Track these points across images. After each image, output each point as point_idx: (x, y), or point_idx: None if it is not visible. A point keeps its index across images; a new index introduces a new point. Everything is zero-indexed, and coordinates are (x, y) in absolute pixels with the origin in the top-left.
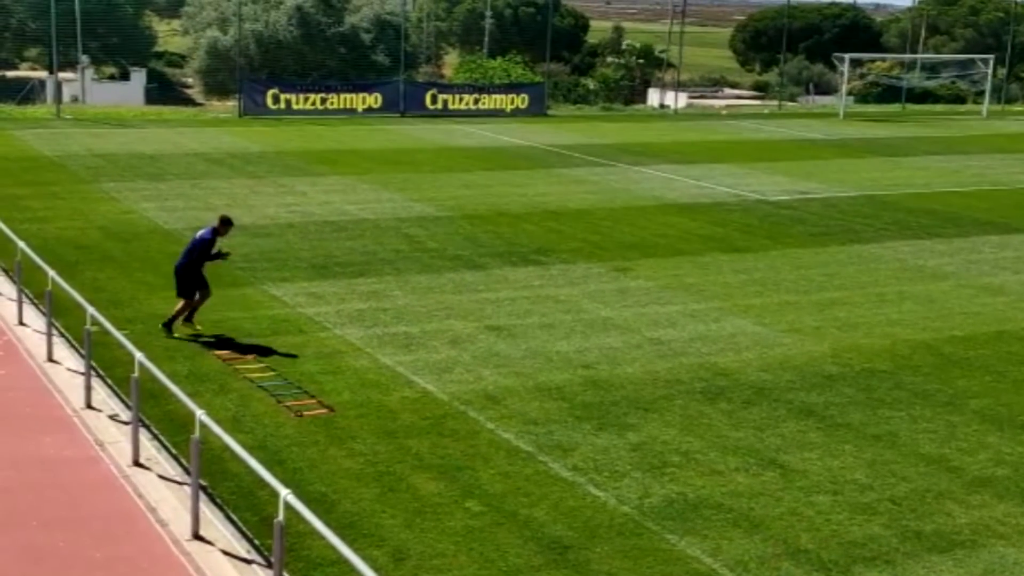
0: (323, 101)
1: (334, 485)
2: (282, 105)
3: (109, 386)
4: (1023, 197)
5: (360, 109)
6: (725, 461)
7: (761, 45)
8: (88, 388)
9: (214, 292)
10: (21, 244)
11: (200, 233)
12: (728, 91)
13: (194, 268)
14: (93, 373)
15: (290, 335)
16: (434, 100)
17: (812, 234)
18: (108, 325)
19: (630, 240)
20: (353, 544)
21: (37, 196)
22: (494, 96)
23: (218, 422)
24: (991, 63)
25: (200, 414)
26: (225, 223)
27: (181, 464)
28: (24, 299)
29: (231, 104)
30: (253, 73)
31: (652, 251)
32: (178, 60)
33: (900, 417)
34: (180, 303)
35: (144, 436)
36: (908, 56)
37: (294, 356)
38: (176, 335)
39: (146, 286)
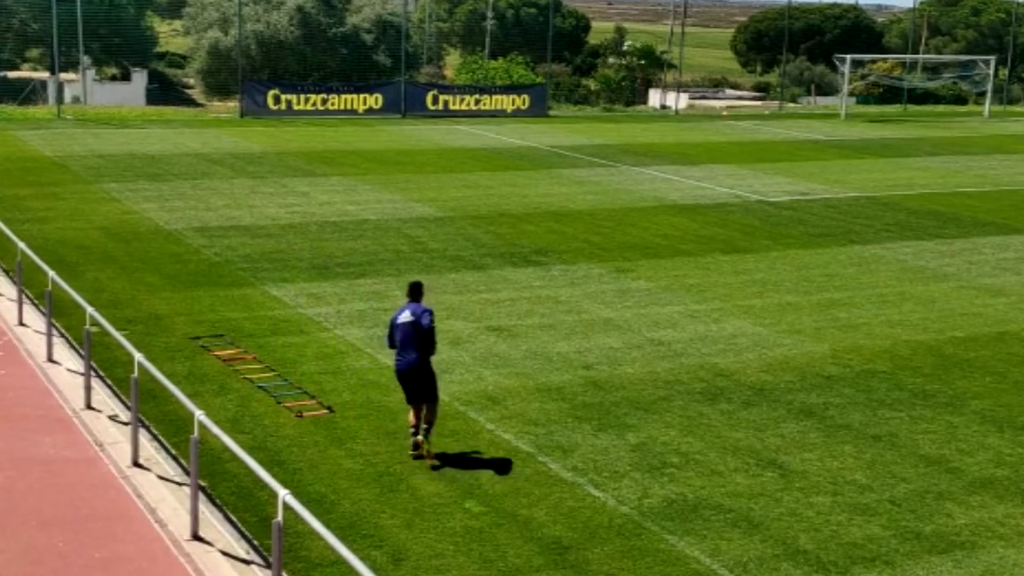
0: (324, 102)
1: (334, 485)
2: (283, 106)
3: (109, 386)
4: None
5: (361, 110)
6: (725, 462)
7: (762, 46)
8: (88, 388)
9: (215, 293)
10: (21, 244)
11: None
12: (729, 92)
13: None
14: (93, 373)
15: (290, 335)
16: (435, 101)
17: (813, 235)
18: (108, 325)
19: (631, 241)
20: (352, 545)
21: (38, 196)
22: (495, 97)
23: (217, 423)
24: (992, 64)
25: (199, 415)
26: (413, 291)
27: (180, 464)
28: (24, 299)
29: (232, 105)
30: (254, 74)
31: (653, 252)
32: (179, 61)
33: (900, 418)
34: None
35: (144, 436)
36: (909, 57)
37: (294, 357)
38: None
39: (146, 286)
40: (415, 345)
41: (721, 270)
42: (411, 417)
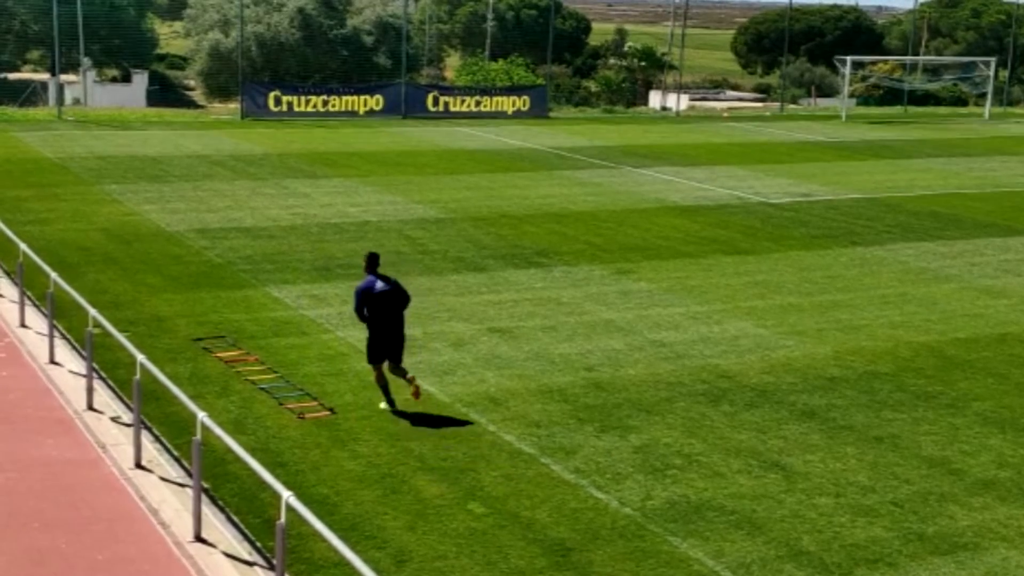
0: (325, 103)
1: (336, 487)
2: (284, 107)
3: (111, 388)
4: None
5: (362, 111)
6: (727, 463)
7: (763, 47)
8: (90, 390)
9: (217, 295)
10: (23, 246)
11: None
12: (730, 93)
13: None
14: (95, 375)
15: (292, 337)
16: (436, 102)
17: (814, 236)
18: (110, 327)
19: (632, 242)
20: (355, 546)
21: (39, 198)
22: (496, 98)
23: (220, 424)
24: (993, 65)
25: (202, 416)
26: (374, 262)
27: (183, 466)
28: (26, 301)
29: (233, 106)
30: (255, 75)
31: (654, 253)
32: (180, 62)
33: (902, 419)
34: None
35: (146, 438)
36: (910, 58)
37: (296, 358)
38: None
39: (148, 288)
40: (398, 312)
41: (723, 271)
42: (378, 375)
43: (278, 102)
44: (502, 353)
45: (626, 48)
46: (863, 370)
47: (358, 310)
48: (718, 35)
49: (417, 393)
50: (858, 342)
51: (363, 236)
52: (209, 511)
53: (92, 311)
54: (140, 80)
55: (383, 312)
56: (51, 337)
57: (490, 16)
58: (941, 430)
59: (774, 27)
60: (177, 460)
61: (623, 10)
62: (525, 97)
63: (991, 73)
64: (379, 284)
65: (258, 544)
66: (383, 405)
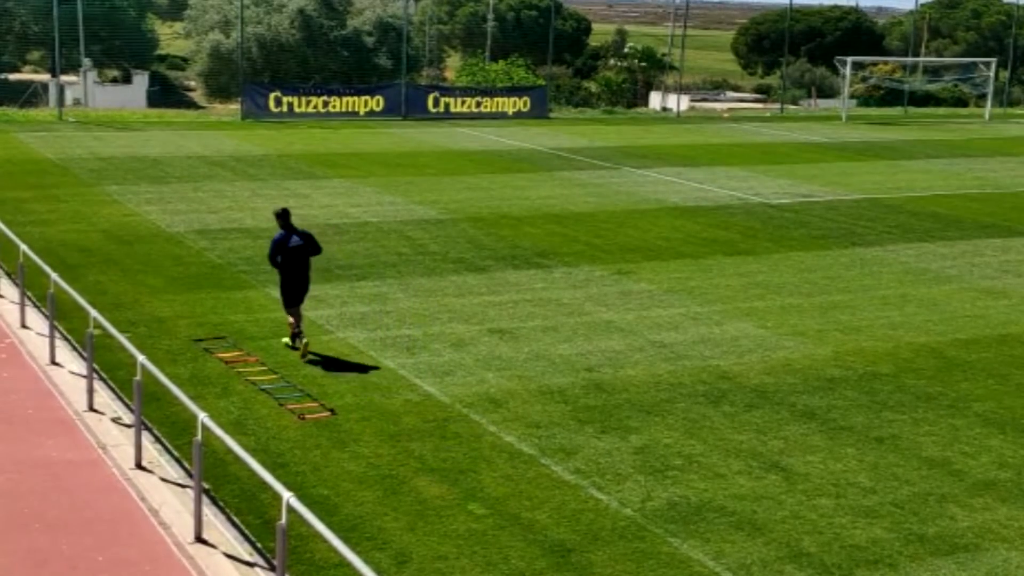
0: (325, 104)
1: (336, 488)
2: (284, 108)
3: (111, 389)
4: None
5: (362, 112)
6: (727, 464)
7: (763, 48)
8: (90, 391)
9: (218, 296)
10: (23, 247)
11: (306, 238)
12: (730, 94)
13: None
14: (95, 376)
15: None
16: (436, 103)
17: (814, 237)
18: (111, 328)
19: (632, 243)
20: (356, 547)
21: (39, 199)
22: (496, 99)
23: (220, 425)
24: (993, 66)
25: (202, 417)
26: (287, 217)
27: (183, 467)
28: (27, 302)
29: (233, 107)
30: (255, 76)
31: (654, 254)
32: (180, 63)
33: (903, 420)
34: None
35: (146, 439)
36: (910, 59)
37: (296, 359)
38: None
39: (148, 289)
40: (307, 262)
41: (723, 272)
42: (293, 321)
43: (278, 103)
44: (502, 354)
45: (626, 49)
46: (863, 371)
47: (271, 257)
48: (718, 36)
49: (305, 354)
50: (858, 343)
51: (363, 237)
52: (210, 512)
53: (93, 312)
54: (141, 81)
55: (294, 262)
56: (52, 338)
57: (490, 17)
58: (941, 431)
59: (774, 28)
60: (178, 461)
61: (623, 11)
62: (525, 98)
63: (991, 74)
64: (294, 239)
65: (259, 545)
66: (285, 340)
